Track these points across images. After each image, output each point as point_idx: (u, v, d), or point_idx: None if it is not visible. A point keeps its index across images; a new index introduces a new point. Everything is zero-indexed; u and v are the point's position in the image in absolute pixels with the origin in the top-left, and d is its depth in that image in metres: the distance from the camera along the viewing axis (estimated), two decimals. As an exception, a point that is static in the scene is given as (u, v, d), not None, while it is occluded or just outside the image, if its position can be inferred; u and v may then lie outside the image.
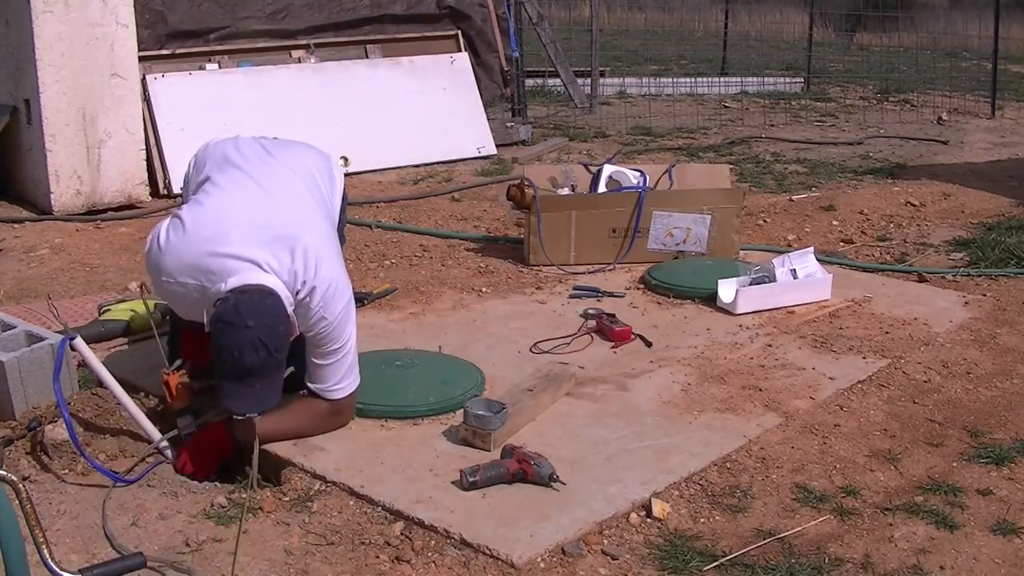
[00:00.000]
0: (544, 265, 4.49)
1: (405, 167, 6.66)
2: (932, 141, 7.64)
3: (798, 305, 3.98)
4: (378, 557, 2.39)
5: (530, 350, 3.56)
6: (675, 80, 10.09)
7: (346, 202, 3.15)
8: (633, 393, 3.24)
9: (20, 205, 5.67)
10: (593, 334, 3.70)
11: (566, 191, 4.74)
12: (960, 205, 5.69)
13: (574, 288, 4.21)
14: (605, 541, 2.45)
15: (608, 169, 4.79)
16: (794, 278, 4.03)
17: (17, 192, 5.77)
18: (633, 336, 3.66)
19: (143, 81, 6.01)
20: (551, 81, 9.48)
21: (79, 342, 2.83)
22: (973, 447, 2.95)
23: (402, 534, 2.46)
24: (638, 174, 4.76)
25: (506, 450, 2.72)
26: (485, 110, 7.30)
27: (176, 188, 5.69)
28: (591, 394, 3.22)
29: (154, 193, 5.89)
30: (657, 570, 2.36)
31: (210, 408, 2.81)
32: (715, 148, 7.41)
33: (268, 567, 2.35)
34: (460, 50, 7.56)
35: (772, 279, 3.99)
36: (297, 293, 2.70)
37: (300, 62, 6.97)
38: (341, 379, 2.85)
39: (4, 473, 1.83)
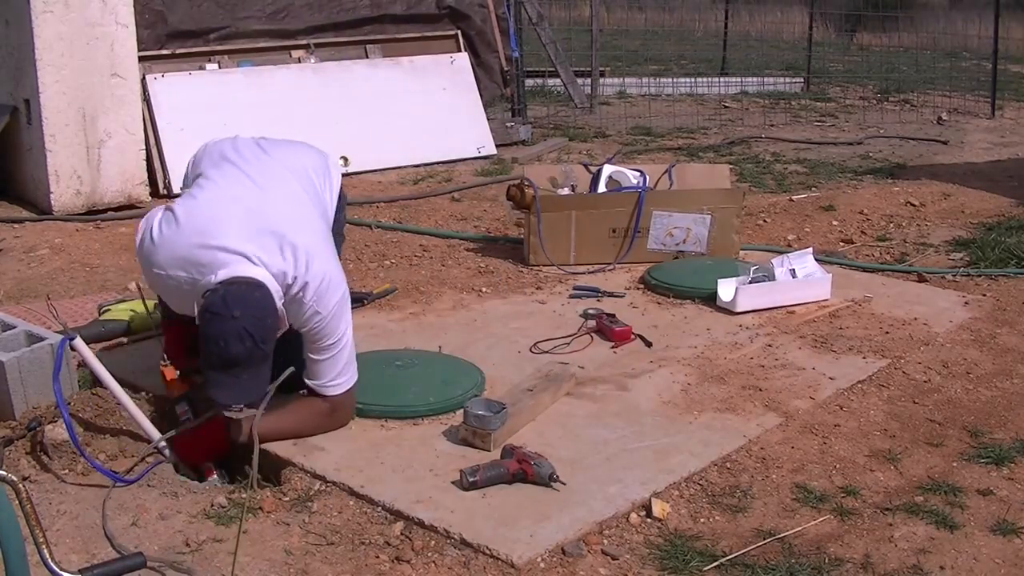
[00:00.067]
0: (544, 265, 4.49)
1: (405, 167, 6.66)
2: (932, 141, 7.64)
3: (798, 305, 3.98)
4: (378, 557, 2.39)
5: (530, 350, 3.56)
6: (675, 80, 10.09)
7: (344, 201, 3.15)
8: (633, 393, 3.24)
9: (20, 205, 5.67)
10: (593, 334, 3.70)
11: (566, 191, 4.74)
12: (960, 205, 5.69)
13: (574, 288, 4.21)
14: (605, 541, 2.45)
15: (608, 169, 4.79)
16: (793, 278, 4.03)
17: (17, 192, 5.77)
18: (633, 336, 3.66)
19: (143, 81, 6.01)
20: (551, 81, 9.48)
21: (79, 342, 2.83)
22: (973, 447, 2.95)
23: (402, 534, 2.46)
24: (638, 174, 4.76)
25: (506, 450, 2.72)
26: (485, 110, 7.30)
27: (176, 188, 5.69)
28: (591, 394, 3.22)
29: (154, 193, 5.89)
30: (657, 570, 2.36)
31: (206, 402, 2.81)
32: (715, 148, 7.41)
33: (268, 567, 2.35)
34: (460, 50, 7.56)
35: (772, 279, 3.99)
36: (289, 288, 2.70)
37: (300, 62, 6.97)
38: (338, 375, 2.85)
39: (4, 473, 1.83)
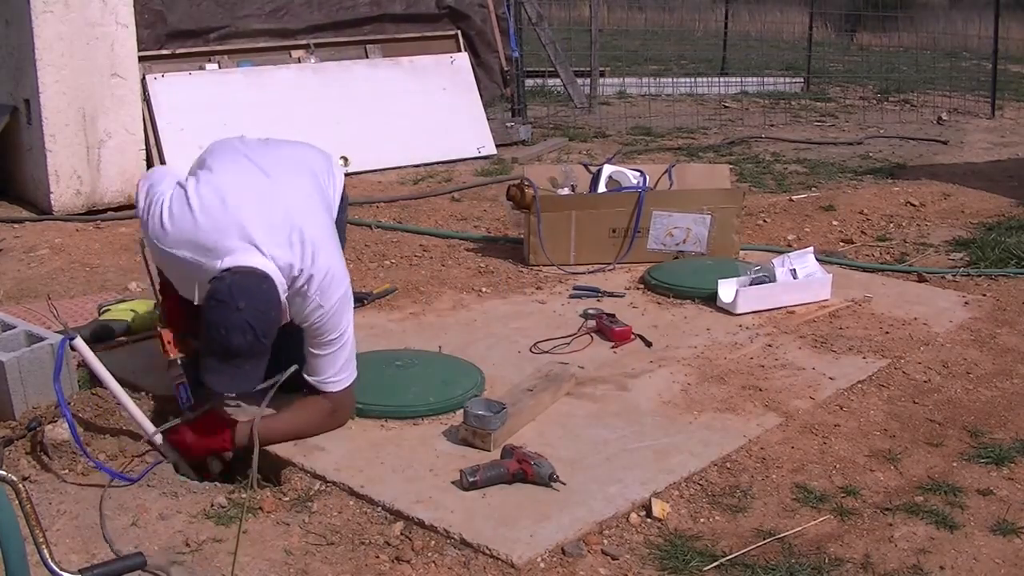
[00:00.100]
0: (544, 265, 4.49)
1: (405, 167, 6.65)
2: (932, 141, 7.64)
3: (798, 305, 3.98)
4: (378, 557, 2.39)
5: (530, 350, 3.56)
6: (675, 80, 10.09)
7: (346, 202, 3.16)
8: (633, 393, 3.24)
9: (20, 205, 5.67)
10: (593, 334, 3.70)
11: (566, 191, 4.74)
12: (960, 205, 5.69)
13: (574, 288, 4.21)
14: (605, 541, 2.45)
15: (608, 169, 4.79)
16: (794, 278, 4.03)
17: (17, 192, 5.77)
18: (633, 336, 3.66)
19: (143, 81, 6.01)
20: (551, 81, 9.48)
21: (79, 342, 2.83)
22: (973, 447, 2.95)
23: (402, 534, 2.46)
24: (638, 174, 4.76)
25: (506, 450, 2.72)
26: (485, 110, 7.30)
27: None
28: (591, 394, 3.22)
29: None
30: (657, 570, 2.36)
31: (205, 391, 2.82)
32: (715, 148, 7.41)
33: (268, 567, 2.35)
34: (460, 50, 7.56)
35: (772, 279, 3.99)
36: (294, 281, 2.71)
37: (300, 62, 6.97)
38: (339, 371, 2.85)
39: (4, 473, 1.83)
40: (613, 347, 3.61)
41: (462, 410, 2.89)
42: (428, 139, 6.83)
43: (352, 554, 2.40)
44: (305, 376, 2.85)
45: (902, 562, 2.40)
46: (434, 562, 2.36)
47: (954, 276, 4.45)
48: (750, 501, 2.65)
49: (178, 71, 6.37)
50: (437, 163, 6.74)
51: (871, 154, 7.19)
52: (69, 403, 2.88)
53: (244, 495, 2.61)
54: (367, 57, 7.27)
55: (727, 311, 3.92)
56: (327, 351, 2.82)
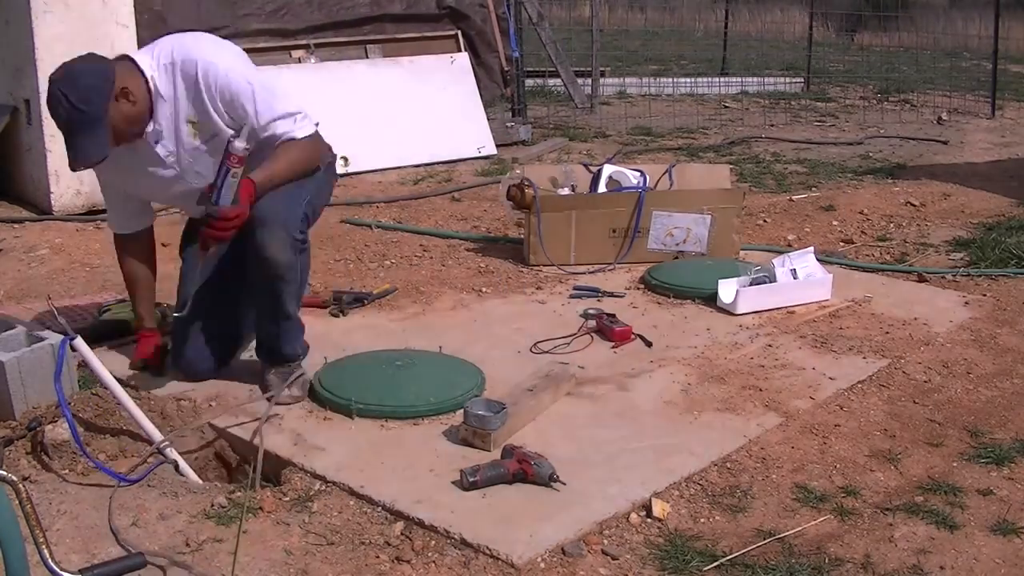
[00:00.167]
0: (544, 265, 4.49)
1: (405, 167, 6.66)
2: (932, 141, 7.64)
3: (798, 305, 3.98)
4: (378, 557, 2.39)
5: (530, 350, 3.56)
6: (675, 80, 10.10)
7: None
8: (633, 393, 3.24)
9: (20, 205, 5.67)
10: (593, 334, 3.70)
11: (566, 191, 4.74)
12: (960, 205, 5.69)
13: (574, 288, 4.21)
14: (605, 541, 2.45)
15: (608, 169, 4.79)
16: (794, 278, 4.03)
17: (17, 192, 5.77)
18: (633, 336, 3.66)
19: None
20: (551, 81, 9.48)
21: (79, 342, 2.83)
22: (973, 447, 2.95)
23: (402, 534, 2.47)
24: (638, 174, 4.76)
25: (506, 450, 2.72)
26: (485, 110, 7.30)
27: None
28: (591, 394, 3.22)
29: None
30: (657, 570, 2.36)
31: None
32: (715, 148, 7.41)
33: (268, 567, 2.35)
34: (460, 50, 7.56)
35: (772, 279, 3.99)
36: (156, 79, 2.97)
37: (300, 62, 6.97)
38: (291, 115, 3.05)
39: (4, 473, 1.83)
40: (613, 347, 3.61)
41: (462, 410, 2.89)
42: (428, 139, 6.83)
43: (352, 554, 2.41)
44: (282, 141, 3.04)
45: (902, 562, 2.40)
46: (434, 562, 2.36)
47: (954, 276, 4.45)
48: (750, 501, 2.65)
49: (178, 71, 6.36)
50: (437, 163, 6.74)
51: (871, 154, 7.19)
52: (69, 403, 2.88)
53: (244, 495, 2.61)
54: (367, 57, 7.27)
55: (727, 311, 3.92)
56: (264, 109, 2.99)
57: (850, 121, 8.58)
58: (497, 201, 5.62)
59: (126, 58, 3.03)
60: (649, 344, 3.62)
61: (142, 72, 2.97)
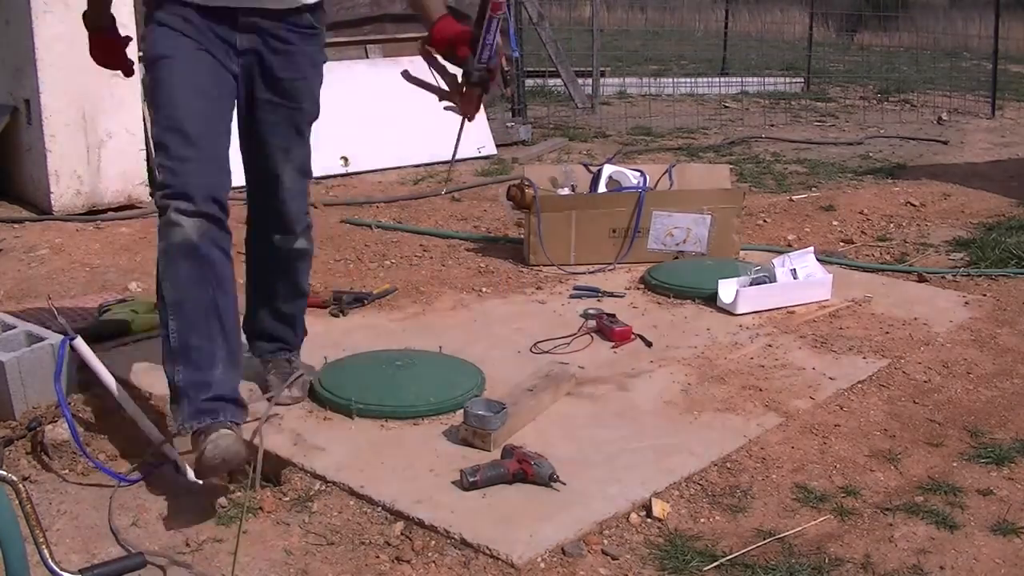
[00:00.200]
0: (544, 265, 4.49)
1: (405, 167, 6.66)
2: (932, 141, 7.65)
3: (798, 305, 3.98)
4: (378, 557, 2.39)
5: (530, 350, 3.56)
6: (675, 80, 10.10)
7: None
8: (633, 393, 3.24)
9: (20, 205, 5.67)
10: (593, 334, 3.70)
11: (566, 191, 4.75)
12: (960, 205, 5.69)
13: (574, 288, 4.21)
14: (605, 541, 2.45)
15: (608, 169, 4.79)
16: (794, 278, 4.03)
17: (17, 192, 5.77)
18: (633, 336, 3.66)
19: (143, 81, 6.00)
20: (551, 81, 9.48)
21: (79, 342, 2.83)
22: (973, 447, 2.95)
23: (402, 534, 2.47)
24: (638, 174, 4.76)
25: (506, 450, 2.72)
26: (485, 110, 7.30)
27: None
28: (591, 394, 3.22)
29: (154, 193, 5.88)
30: (657, 570, 2.36)
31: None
32: (715, 148, 7.41)
33: (268, 567, 2.35)
34: (460, 50, 7.54)
35: (772, 279, 3.99)
36: None
37: (300, 62, 6.95)
38: None
39: (4, 473, 1.83)
40: (613, 347, 3.61)
41: (462, 410, 2.89)
42: (428, 139, 6.81)
43: (352, 554, 2.41)
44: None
45: (902, 562, 2.40)
46: (434, 562, 2.36)
47: (954, 276, 4.45)
48: (750, 501, 2.65)
49: (178, 71, 6.35)
50: (437, 163, 6.74)
51: (871, 154, 7.19)
52: (69, 403, 2.88)
53: (244, 495, 2.61)
54: (367, 57, 7.26)
55: (727, 311, 3.92)
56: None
57: (850, 121, 8.59)
58: (497, 201, 5.63)
59: None
60: (649, 344, 3.62)
61: None
